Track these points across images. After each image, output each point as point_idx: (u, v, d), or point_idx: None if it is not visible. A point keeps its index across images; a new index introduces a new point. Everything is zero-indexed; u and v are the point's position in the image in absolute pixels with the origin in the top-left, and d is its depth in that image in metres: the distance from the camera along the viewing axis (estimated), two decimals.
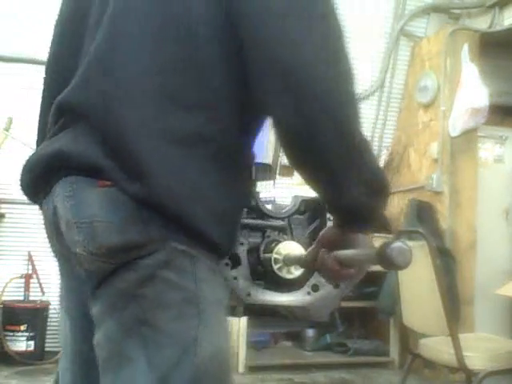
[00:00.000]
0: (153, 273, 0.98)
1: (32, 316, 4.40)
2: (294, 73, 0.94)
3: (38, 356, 4.41)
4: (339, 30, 1.01)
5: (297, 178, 5.04)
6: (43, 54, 1.48)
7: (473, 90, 4.39)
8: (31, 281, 4.51)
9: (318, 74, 0.95)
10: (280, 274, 1.41)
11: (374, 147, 5.27)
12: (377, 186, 1.05)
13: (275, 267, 1.41)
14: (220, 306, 1.05)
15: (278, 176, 5.70)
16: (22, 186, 1.11)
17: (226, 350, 1.05)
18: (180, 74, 1.01)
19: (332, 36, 0.99)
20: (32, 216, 3.57)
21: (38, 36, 4.12)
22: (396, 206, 5.11)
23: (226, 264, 1.40)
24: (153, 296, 0.98)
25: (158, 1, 1.02)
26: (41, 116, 1.21)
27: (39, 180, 1.05)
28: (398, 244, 0.92)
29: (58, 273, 1.19)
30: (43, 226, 1.12)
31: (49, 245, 1.13)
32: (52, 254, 1.15)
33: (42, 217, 1.11)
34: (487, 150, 4.94)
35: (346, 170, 1.01)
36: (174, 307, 0.99)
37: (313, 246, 1.18)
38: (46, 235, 1.13)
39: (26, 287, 4.52)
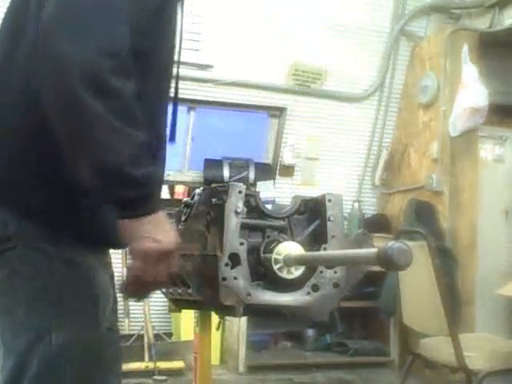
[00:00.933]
0: (13, 267, 1.10)
1: None
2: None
3: None
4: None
5: (297, 178, 4.99)
6: None
7: (473, 90, 4.39)
8: None
9: (49, 46, 0.99)
10: (280, 274, 1.41)
11: (374, 147, 5.27)
12: (112, 175, 1.01)
13: (275, 267, 1.41)
14: (79, 297, 1.12)
15: (277, 176, 5.71)
16: None
17: (88, 338, 1.11)
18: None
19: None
20: None
21: None
22: (396, 206, 5.11)
23: (226, 264, 1.40)
24: (13, 288, 1.10)
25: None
26: None
27: None
28: (398, 245, 0.92)
29: None
30: None
31: None
32: None
33: None
34: (487, 150, 4.94)
35: (77, 148, 1.02)
36: (28, 299, 1.09)
37: None
38: None
39: None
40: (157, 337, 4.38)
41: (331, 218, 1.50)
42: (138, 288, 1.13)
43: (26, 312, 1.09)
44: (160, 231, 1.07)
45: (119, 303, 4.50)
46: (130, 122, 1.02)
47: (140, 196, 1.05)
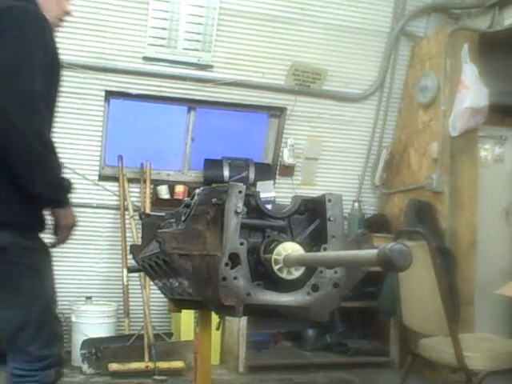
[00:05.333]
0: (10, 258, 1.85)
1: None
2: None
3: None
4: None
5: (297, 178, 4.98)
6: None
7: (473, 90, 4.39)
8: None
9: None
10: (280, 274, 1.41)
11: (374, 147, 5.27)
12: (57, 184, 1.88)
13: (275, 268, 1.41)
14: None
15: (277, 176, 5.69)
16: None
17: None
18: None
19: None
20: None
21: None
22: (396, 206, 5.11)
23: (226, 264, 1.41)
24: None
25: None
26: None
27: None
28: (398, 246, 0.92)
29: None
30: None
31: None
32: None
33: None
34: (487, 150, 4.94)
35: (32, 172, 1.79)
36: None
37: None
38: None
39: None
40: (157, 337, 4.38)
41: (331, 218, 1.50)
42: (62, 243, 2.01)
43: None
44: (72, 213, 1.97)
45: (119, 305, 4.58)
46: (55, 154, 1.86)
47: (67, 195, 1.93)
